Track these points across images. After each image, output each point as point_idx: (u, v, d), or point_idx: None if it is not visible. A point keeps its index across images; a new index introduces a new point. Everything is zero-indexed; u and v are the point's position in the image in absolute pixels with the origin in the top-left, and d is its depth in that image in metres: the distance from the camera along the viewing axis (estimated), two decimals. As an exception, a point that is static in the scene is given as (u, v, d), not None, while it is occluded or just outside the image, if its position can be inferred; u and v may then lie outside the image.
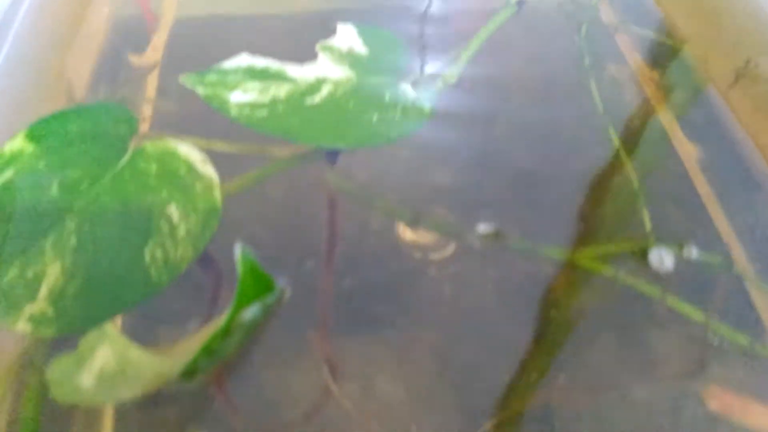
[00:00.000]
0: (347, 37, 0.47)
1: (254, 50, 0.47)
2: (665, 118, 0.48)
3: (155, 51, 0.50)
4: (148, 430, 0.32)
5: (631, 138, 0.46)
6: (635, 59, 0.52)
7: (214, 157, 0.40)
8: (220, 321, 0.30)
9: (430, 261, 0.39)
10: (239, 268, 0.30)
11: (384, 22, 0.53)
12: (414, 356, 0.35)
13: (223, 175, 0.40)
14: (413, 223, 0.39)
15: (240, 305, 0.30)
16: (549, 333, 0.36)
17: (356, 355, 0.35)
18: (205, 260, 0.38)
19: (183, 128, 0.43)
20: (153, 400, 0.33)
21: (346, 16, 0.53)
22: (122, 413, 0.32)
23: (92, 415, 0.33)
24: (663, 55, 0.53)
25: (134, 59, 0.50)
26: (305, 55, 0.48)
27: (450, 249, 0.40)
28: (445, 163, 0.44)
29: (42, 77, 0.45)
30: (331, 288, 0.38)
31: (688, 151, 0.46)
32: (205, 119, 0.44)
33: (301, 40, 0.51)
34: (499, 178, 0.43)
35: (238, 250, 0.30)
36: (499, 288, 0.38)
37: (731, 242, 0.40)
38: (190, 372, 0.30)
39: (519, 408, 0.33)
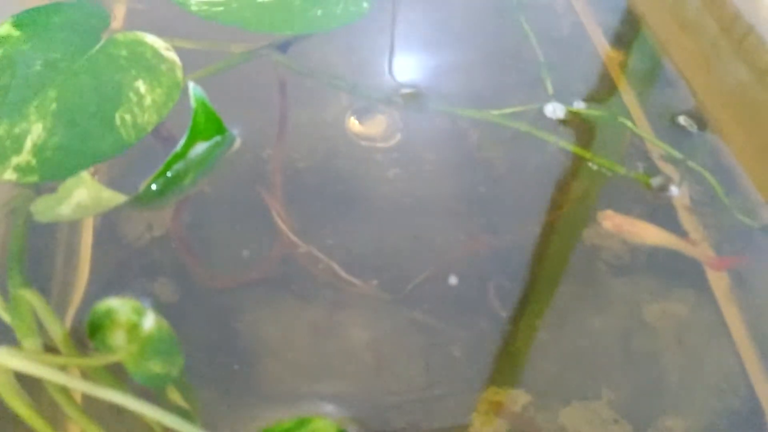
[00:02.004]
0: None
1: None
2: (592, 29, 0.53)
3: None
4: (121, 275, 0.38)
5: (554, 41, 0.51)
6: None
7: (180, 54, 0.46)
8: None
9: (376, 149, 0.45)
10: (192, 103, 0.35)
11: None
12: (362, 227, 0.41)
13: (188, 69, 0.45)
14: (351, 91, 0.44)
15: (194, 135, 0.36)
16: (475, 193, 0.41)
17: (304, 218, 0.40)
18: (164, 134, 0.43)
19: (152, 29, 0.49)
20: (124, 253, 0.38)
21: None
22: (97, 263, 0.38)
23: (70, 260, 0.38)
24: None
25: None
26: None
27: (395, 139, 0.46)
28: (384, 55, 0.49)
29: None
30: (282, 161, 0.43)
31: (611, 56, 0.51)
32: (172, 22, 0.49)
33: None
34: (426, 56, 0.49)
35: (191, 88, 0.36)
36: (434, 168, 0.43)
37: (631, 105, 0.45)
38: (150, 190, 0.36)
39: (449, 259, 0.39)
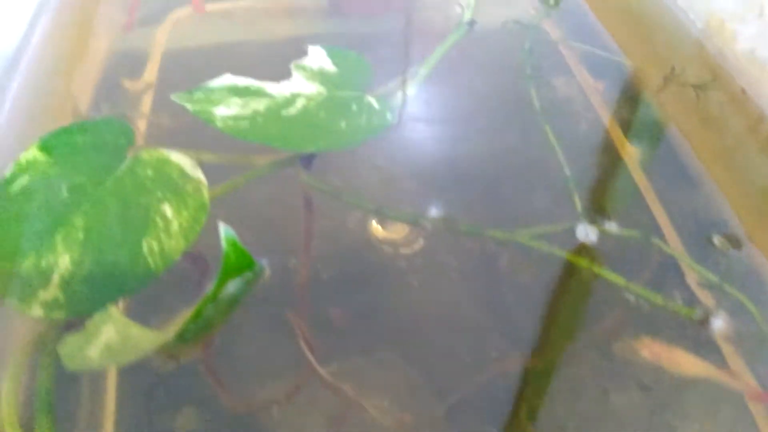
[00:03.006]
0: (318, 57, 0.53)
1: (236, 71, 0.53)
2: (609, 123, 0.54)
3: (149, 76, 0.57)
4: (147, 409, 0.37)
5: (575, 139, 0.52)
6: (580, 71, 0.58)
7: (203, 167, 0.46)
8: (206, 291, 0.35)
9: (399, 255, 0.45)
10: (223, 244, 0.35)
11: (350, 44, 0.60)
12: (386, 338, 0.40)
13: (211, 181, 0.45)
14: (378, 213, 0.44)
15: (225, 277, 0.35)
16: (501, 309, 0.41)
17: (331, 336, 0.40)
18: (194, 256, 0.43)
19: (175, 142, 0.49)
20: (150, 380, 0.38)
21: (316, 40, 0.60)
22: (123, 394, 0.37)
23: (97, 392, 0.37)
24: (604, 66, 0.59)
25: (129, 84, 0.56)
26: (281, 75, 0.54)
27: (418, 244, 0.46)
28: (408, 164, 0.50)
29: (50, 99, 0.51)
30: (308, 278, 0.43)
31: (629, 152, 0.52)
32: (194, 134, 0.49)
33: (277, 62, 0.57)
34: (453, 175, 0.49)
35: (221, 230, 0.35)
36: (459, 276, 0.43)
37: (662, 222, 0.45)
38: (183, 337, 0.35)
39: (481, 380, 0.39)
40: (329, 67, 0.52)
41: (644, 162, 0.51)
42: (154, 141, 0.49)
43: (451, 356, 0.39)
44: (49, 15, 0.58)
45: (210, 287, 0.38)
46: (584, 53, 0.59)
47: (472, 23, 0.59)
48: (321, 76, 0.52)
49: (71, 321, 0.38)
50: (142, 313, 0.40)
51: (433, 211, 0.44)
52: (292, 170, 0.48)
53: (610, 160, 0.51)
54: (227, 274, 0.35)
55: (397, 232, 0.46)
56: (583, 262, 0.40)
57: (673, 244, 0.44)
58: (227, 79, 0.50)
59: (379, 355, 0.39)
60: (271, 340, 0.40)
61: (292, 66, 0.52)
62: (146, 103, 0.53)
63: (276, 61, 0.59)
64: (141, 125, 0.49)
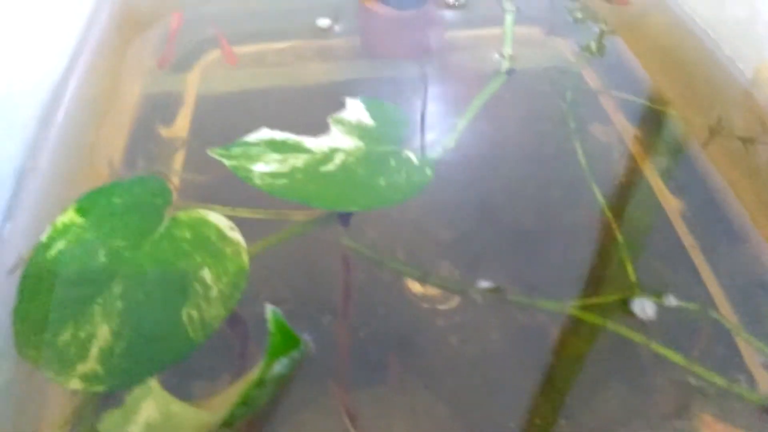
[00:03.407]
0: (355, 110, 0.52)
1: (270, 119, 0.52)
2: (650, 173, 0.53)
3: (182, 122, 0.56)
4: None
5: (618, 193, 0.50)
6: (620, 120, 0.57)
7: (238, 222, 0.45)
8: (253, 374, 0.34)
9: (437, 312, 0.43)
10: (270, 326, 0.34)
11: (384, 89, 0.59)
12: (426, 402, 0.39)
13: (246, 237, 0.44)
14: (422, 280, 0.43)
15: (271, 360, 0.34)
16: (549, 379, 0.40)
17: (373, 403, 0.39)
18: (232, 318, 0.42)
19: (209, 195, 0.48)
20: None
21: (348, 85, 0.59)
22: None
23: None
24: (645, 115, 0.58)
25: (163, 131, 0.55)
26: (314, 122, 0.53)
27: (455, 300, 0.44)
28: (447, 220, 0.49)
29: (85, 150, 0.50)
30: (348, 341, 0.41)
31: (672, 205, 0.50)
32: (228, 186, 0.48)
33: (309, 108, 0.57)
34: (495, 234, 0.48)
35: (268, 311, 0.34)
36: (501, 337, 0.42)
37: (713, 290, 0.44)
38: (228, 422, 0.34)
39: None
40: (367, 120, 0.51)
41: (687, 214, 0.49)
42: (189, 195, 0.48)
43: (498, 425, 0.38)
44: (82, 64, 0.58)
45: (255, 364, 0.36)
46: (624, 102, 0.58)
47: (510, 72, 0.58)
48: (359, 130, 0.51)
49: (109, 393, 0.37)
50: (181, 378, 0.38)
51: (483, 283, 0.42)
52: (329, 227, 0.47)
53: (655, 216, 0.49)
54: (274, 355, 0.34)
55: (434, 287, 0.45)
56: (638, 338, 0.39)
57: (723, 308, 0.42)
58: (264, 134, 0.49)
59: (423, 425, 0.38)
60: (313, 410, 0.39)
61: (329, 120, 0.51)
62: (180, 154, 0.52)
63: (308, 107, 0.58)
64: (175, 179, 0.48)
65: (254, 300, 0.42)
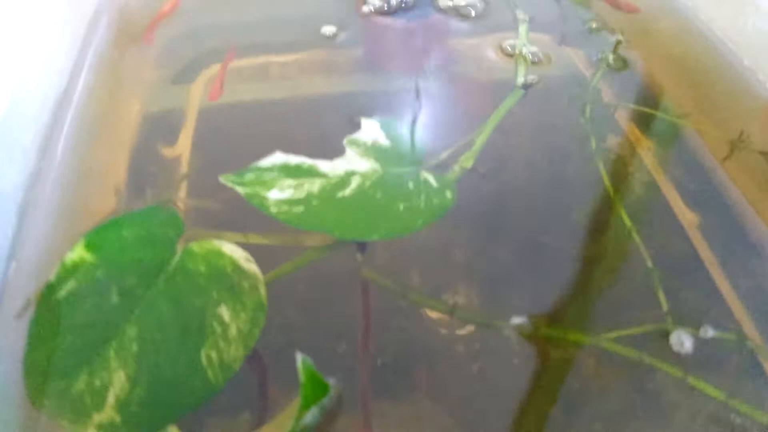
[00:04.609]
0: (371, 131, 0.50)
1: (273, 133, 0.50)
2: (666, 188, 0.52)
3: (184, 140, 0.54)
4: None
5: (637, 211, 0.49)
6: (636, 134, 0.55)
7: (251, 248, 0.43)
8: (283, 424, 0.33)
9: (456, 338, 0.42)
10: (301, 376, 0.32)
11: (390, 102, 0.57)
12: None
13: (259, 261, 0.42)
14: (448, 314, 0.42)
15: (303, 411, 0.32)
16: (578, 413, 0.38)
17: None
18: (251, 354, 0.40)
19: (218, 221, 0.46)
20: None
21: (352, 98, 0.57)
22: None
23: None
24: (662, 129, 0.56)
25: (166, 151, 0.53)
26: (320, 136, 0.52)
27: (473, 324, 0.43)
28: (465, 240, 0.47)
29: (89, 182, 0.48)
30: (369, 370, 0.40)
31: (689, 219, 0.49)
32: (236, 210, 0.47)
33: (314, 121, 0.55)
34: (515, 256, 0.46)
35: (299, 360, 0.33)
36: (523, 363, 0.41)
37: (741, 317, 0.43)
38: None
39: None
40: (383, 141, 0.50)
41: (704, 228, 0.48)
42: (198, 220, 0.46)
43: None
44: (81, 84, 0.55)
45: (276, 401, 0.35)
46: (641, 115, 0.57)
47: (527, 87, 0.56)
48: (375, 152, 0.49)
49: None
50: (198, 416, 0.37)
51: (515, 320, 0.41)
52: (345, 250, 0.45)
53: (675, 236, 0.48)
54: (305, 406, 0.33)
55: (449, 295, 0.43)
56: (674, 371, 0.37)
57: (747, 327, 0.42)
58: (278, 158, 0.47)
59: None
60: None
61: (345, 142, 0.49)
62: (188, 182, 0.50)
63: (313, 120, 0.56)
64: (181, 203, 0.46)
65: (268, 329, 0.40)
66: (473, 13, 0.67)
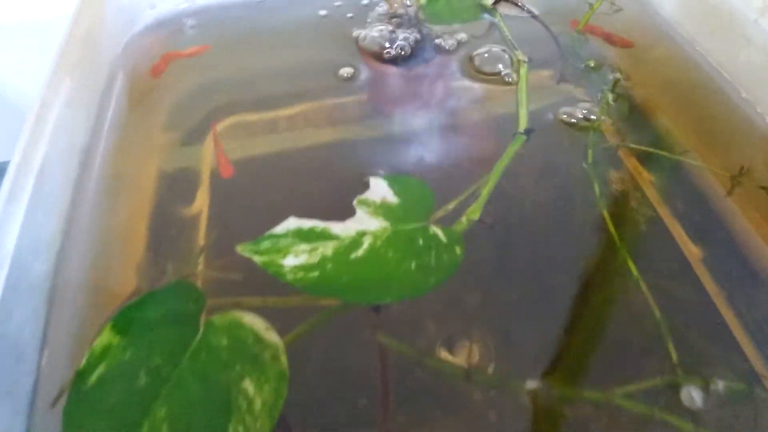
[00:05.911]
0: (379, 189, 0.51)
1: (284, 186, 0.51)
2: (671, 225, 0.53)
3: (201, 201, 0.55)
4: None
5: (651, 264, 0.50)
6: (638, 169, 0.56)
7: (268, 311, 0.45)
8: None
9: (472, 382, 0.43)
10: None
11: (396, 149, 0.59)
12: None
13: (278, 323, 0.44)
14: (467, 380, 0.43)
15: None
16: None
17: None
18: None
19: (238, 286, 0.48)
20: None
21: (358, 145, 0.58)
22: None
23: None
24: (664, 163, 0.57)
25: (184, 211, 0.54)
26: (329, 184, 0.53)
27: (490, 368, 0.44)
28: (474, 289, 0.48)
29: (110, 257, 0.49)
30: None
31: (693, 251, 0.50)
32: (256, 276, 0.48)
33: (324, 171, 0.57)
34: (524, 305, 0.47)
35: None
36: (539, 424, 0.42)
37: (751, 354, 0.44)
38: None
39: None
40: (391, 198, 0.51)
41: (709, 262, 0.49)
42: (216, 288, 0.48)
43: None
44: (98, 154, 0.57)
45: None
46: (642, 152, 0.58)
47: (529, 132, 0.57)
48: (384, 210, 0.50)
49: None
50: None
51: (530, 384, 0.42)
52: (361, 313, 0.47)
53: (687, 282, 0.49)
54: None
55: (466, 356, 0.45)
56: (687, 427, 0.39)
57: (757, 365, 0.42)
58: (292, 223, 0.48)
59: None
60: None
61: (354, 202, 0.50)
62: (203, 245, 0.51)
63: (322, 170, 0.58)
64: (199, 270, 0.48)
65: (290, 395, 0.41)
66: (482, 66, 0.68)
